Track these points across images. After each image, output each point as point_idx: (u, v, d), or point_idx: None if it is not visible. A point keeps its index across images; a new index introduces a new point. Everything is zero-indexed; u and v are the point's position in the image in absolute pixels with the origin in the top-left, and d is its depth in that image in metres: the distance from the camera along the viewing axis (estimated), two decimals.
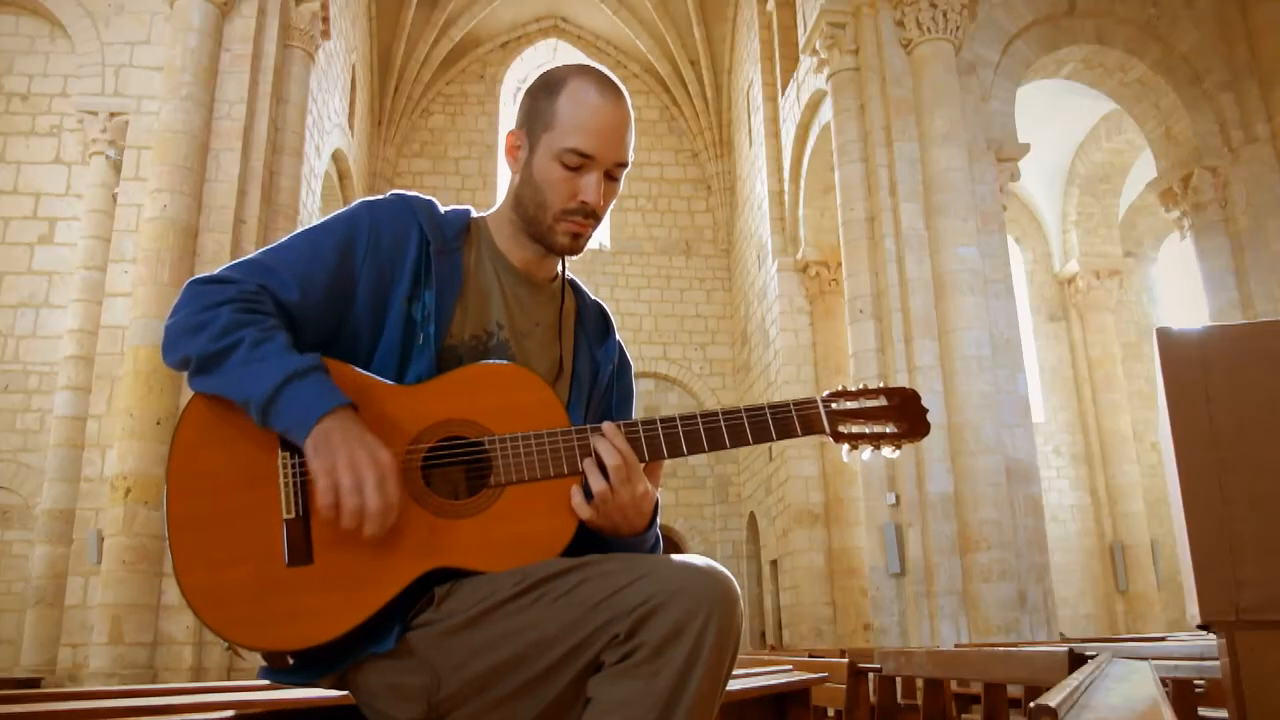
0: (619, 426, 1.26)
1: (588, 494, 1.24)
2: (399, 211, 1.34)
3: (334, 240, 1.29)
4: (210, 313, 1.19)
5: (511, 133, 1.38)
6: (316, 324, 1.27)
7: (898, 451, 1.33)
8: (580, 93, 1.32)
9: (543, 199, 1.33)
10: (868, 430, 1.31)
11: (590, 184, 1.31)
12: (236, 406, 1.18)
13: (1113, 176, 16.60)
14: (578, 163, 1.30)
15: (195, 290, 1.22)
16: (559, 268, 1.45)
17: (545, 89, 1.35)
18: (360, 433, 1.15)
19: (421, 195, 1.39)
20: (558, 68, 1.39)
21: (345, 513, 1.12)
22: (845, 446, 1.32)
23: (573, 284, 1.49)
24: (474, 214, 1.42)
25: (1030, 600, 8.81)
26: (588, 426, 1.26)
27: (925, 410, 1.34)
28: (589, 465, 1.24)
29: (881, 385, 1.35)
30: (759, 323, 15.40)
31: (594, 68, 1.37)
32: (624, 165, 1.35)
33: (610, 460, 1.23)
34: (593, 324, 1.48)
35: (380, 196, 1.37)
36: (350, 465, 1.12)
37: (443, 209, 1.39)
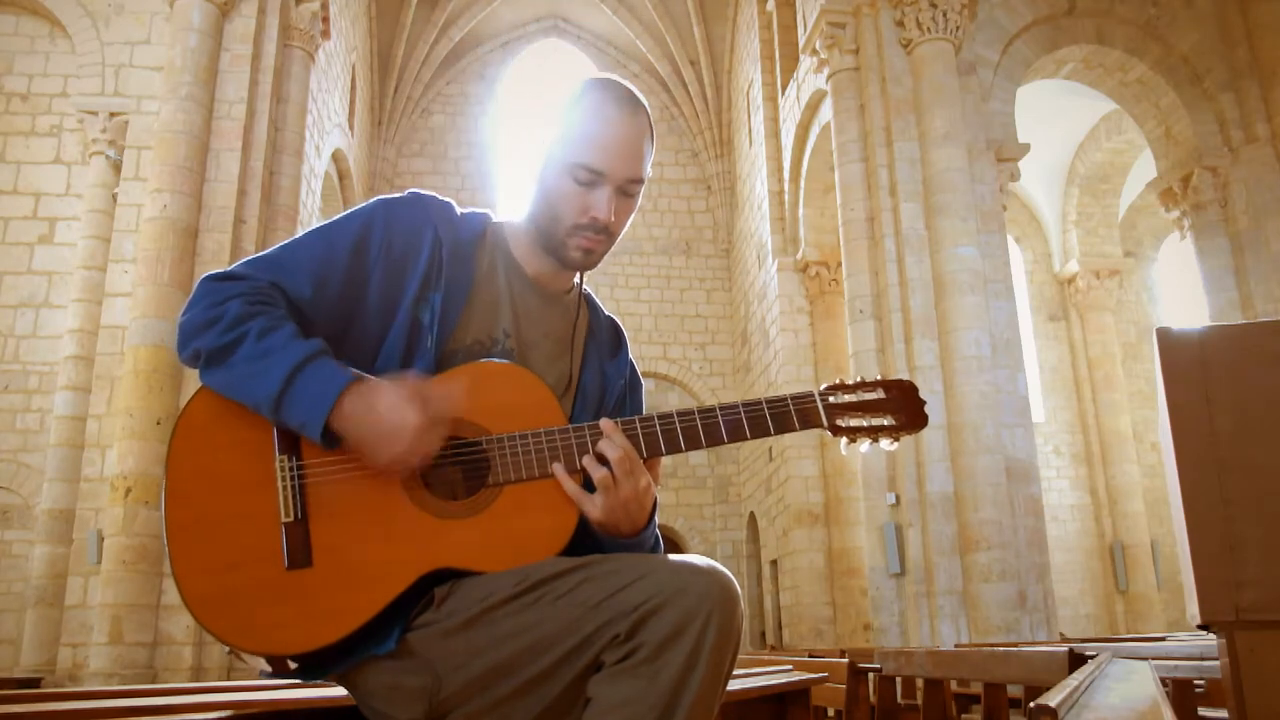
0: (617, 423, 1.26)
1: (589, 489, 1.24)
2: (415, 212, 1.33)
3: (348, 239, 1.29)
4: (220, 307, 1.19)
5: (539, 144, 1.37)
6: (327, 322, 1.27)
7: (896, 444, 1.33)
8: (595, 107, 1.31)
9: (555, 213, 1.32)
10: (866, 423, 1.31)
11: (601, 200, 1.30)
12: (233, 408, 1.19)
13: (1113, 176, 16.60)
14: (589, 178, 1.29)
15: (207, 286, 1.22)
16: (575, 280, 1.43)
17: (567, 101, 1.34)
18: (377, 416, 1.16)
19: (440, 196, 1.38)
20: (585, 80, 1.37)
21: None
22: (844, 440, 1.32)
23: (589, 298, 1.48)
24: (493, 219, 1.41)
25: (1030, 600, 8.81)
26: (585, 425, 1.26)
27: (923, 402, 1.33)
28: (589, 461, 1.24)
29: (879, 377, 1.34)
30: (759, 323, 15.41)
31: (614, 80, 1.35)
32: (638, 182, 1.33)
33: (613, 454, 1.23)
34: (605, 339, 1.47)
35: (397, 195, 1.36)
36: (394, 459, 1.17)
37: (461, 211, 1.38)
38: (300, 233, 1.36)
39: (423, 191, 1.38)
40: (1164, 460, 2.17)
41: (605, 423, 1.25)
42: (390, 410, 1.15)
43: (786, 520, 13.44)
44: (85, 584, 8.98)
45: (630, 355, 1.50)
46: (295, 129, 10.47)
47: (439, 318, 1.28)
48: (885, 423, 1.31)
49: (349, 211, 1.33)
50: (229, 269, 1.25)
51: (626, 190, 1.32)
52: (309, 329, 1.24)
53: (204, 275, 1.25)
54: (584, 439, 1.25)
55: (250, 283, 1.22)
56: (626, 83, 1.36)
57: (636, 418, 1.27)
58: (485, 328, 1.33)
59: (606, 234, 1.32)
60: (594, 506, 1.24)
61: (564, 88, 1.40)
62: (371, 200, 1.35)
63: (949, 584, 8.81)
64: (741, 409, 1.28)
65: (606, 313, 1.51)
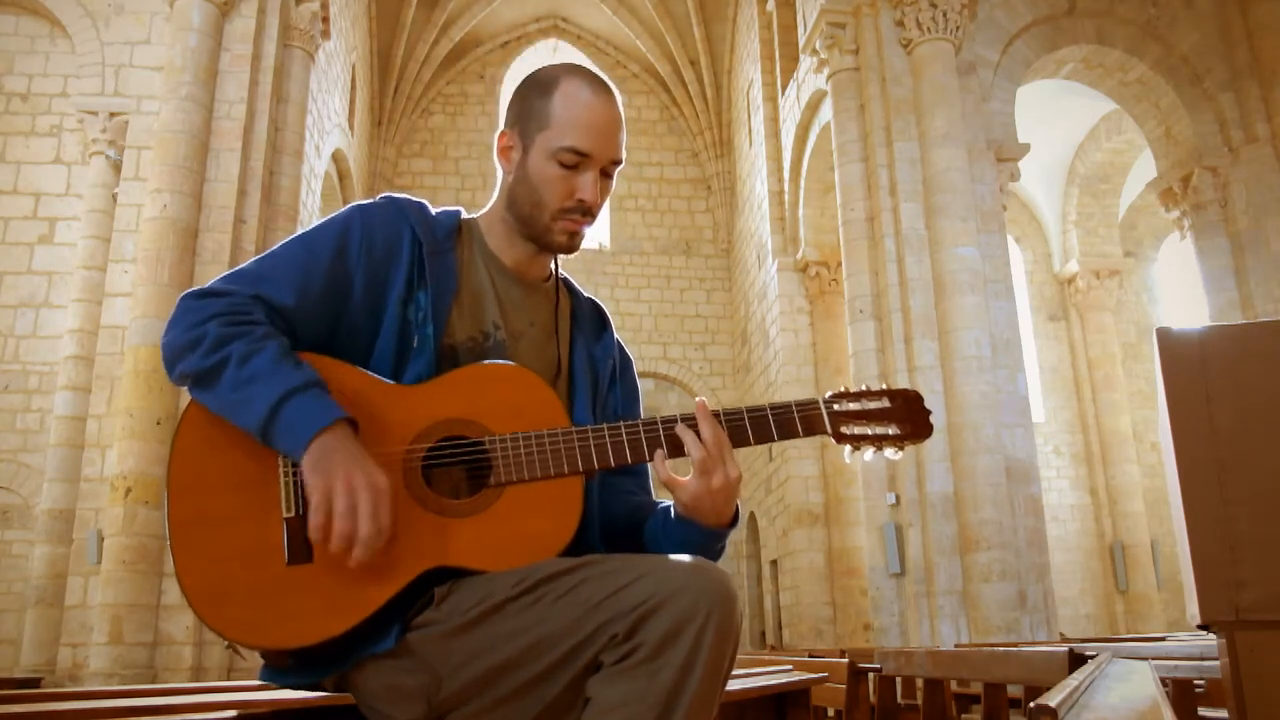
0: (715, 413, 1.27)
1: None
2: (390, 213, 1.34)
3: (328, 245, 1.29)
4: (199, 329, 1.18)
5: (504, 132, 1.38)
6: (314, 328, 1.27)
7: (900, 453, 1.33)
8: (574, 91, 1.33)
9: (539, 198, 1.33)
10: (870, 431, 1.31)
11: (587, 182, 1.32)
12: None
13: (1113, 176, 16.60)
14: (575, 161, 1.31)
15: (186, 305, 1.22)
16: (551, 267, 1.45)
17: (537, 88, 1.35)
18: (358, 453, 1.14)
19: (412, 197, 1.40)
20: (547, 66, 1.40)
21: (335, 536, 1.11)
22: (848, 447, 1.32)
23: (566, 282, 1.49)
24: (464, 214, 1.43)
25: (1030, 600, 8.81)
26: (588, 427, 1.26)
27: (928, 412, 1.33)
28: (689, 438, 1.25)
29: (884, 386, 1.35)
30: (759, 323, 15.41)
31: (583, 67, 1.38)
32: (618, 163, 1.35)
33: (710, 433, 1.25)
34: (588, 322, 1.48)
35: (370, 200, 1.37)
36: (346, 488, 1.11)
37: (433, 210, 1.39)
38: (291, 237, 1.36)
39: (395, 194, 1.39)
40: (1164, 460, 2.17)
41: (700, 403, 1.28)
42: (369, 459, 1.14)
43: (786, 520, 13.45)
44: (85, 584, 8.98)
45: (615, 334, 1.52)
46: (295, 129, 10.47)
47: (431, 316, 1.29)
48: (890, 432, 1.32)
49: (325, 220, 1.34)
50: (208, 285, 1.24)
51: (607, 171, 1.35)
52: (295, 337, 1.24)
53: (184, 293, 1.24)
54: (586, 440, 1.25)
55: (230, 299, 1.21)
56: (594, 67, 1.39)
57: (639, 421, 1.27)
58: (476, 322, 1.34)
59: (590, 215, 1.35)
60: (684, 492, 1.26)
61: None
62: (346, 207, 1.36)
63: (949, 584, 8.81)
64: (746, 414, 1.29)
65: (586, 294, 1.52)
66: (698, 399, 1.28)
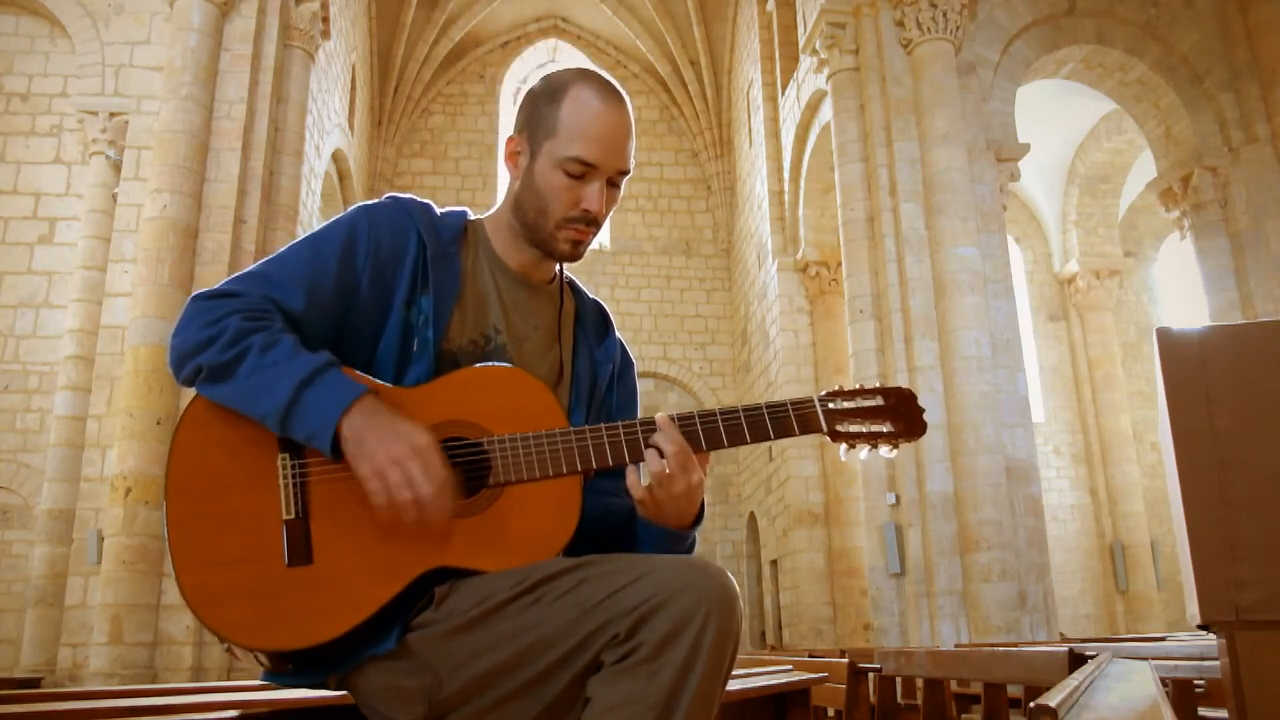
0: (672, 418, 1.27)
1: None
2: (396, 215, 1.34)
3: (335, 247, 1.29)
4: (218, 325, 1.18)
5: (512, 138, 1.37)
6: (321, 330, 1.27)
7: (895, 451, 1.34)
8: (583, 100, 1.31)
9: (544, 206, 1.32)
10: (865, 429, 1.32)
11: (593, 192, 1.31)
12: None
13: (1113, 176, 16.60)
14: (581, 171, 1.30)
15: (198, 305, 1.22)
16: (556, 270, 1.45)
17: (547, 94, 1.34)
18: (390, 421, 1.15)
19: (417, 198, 1.39)
20: (559, 72, 1.38)
21: (401, 509, 1.13)
22: (843, 446, 1.32)
23: (571, 285, 1.49)
24: (471, 216, 1.42)
25: (1030, 600, 8.81)
26: (586, 428, 1.26)
27: (922, 410, 1.34)
28: (648, 453, 1.25)
29: (878, 385, 1.35)
30: (759, 323, 15.41)
31: (596, 73, 1.36)
32: (626, 173, 1.34)
33: (670, 447, 1.24)
34: (592, 324, 1.48)
35: (376, 201, 1.37)
36: (393, 460, 1.13)
37: (439, 211, 1.39)
38: (296, 239, 1.36)
39: (401, 195, 1.38)
40: (1164, 460, 2.17)
41: (661, 418, 1.26)
42: (401, 422, 1.16)
43: (786, 520, 13.45)
44: (85, 584, 8.97)
45: (618, 335, 1.51)
46: (295, 129, 10.47)
47: (432, 319, 1.29)
48: (884, 429, 1.32)
49: (331, 221, 1.33)
50: (219, 287, 1.24)
51: (614, 181, 1.34)
52: (304, 339, 1.24)
53: (193, 295, 1.24)
54: (584, 440, 1.25)
55: (244, 299, 1.22)
56: (606, 74, 1.37)
57: (637, 420, 1.28)
58: (478, 326, 1.34)
59: (595, 225, 1.34)
60: (646, 493, 1.26)
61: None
62: (351, 208, 1.35)
63: (949, 584, 8.81)
64: (741, 413, 1.29)
65: (591, 296, 1.52)
66: (658, 414, 1.27)
